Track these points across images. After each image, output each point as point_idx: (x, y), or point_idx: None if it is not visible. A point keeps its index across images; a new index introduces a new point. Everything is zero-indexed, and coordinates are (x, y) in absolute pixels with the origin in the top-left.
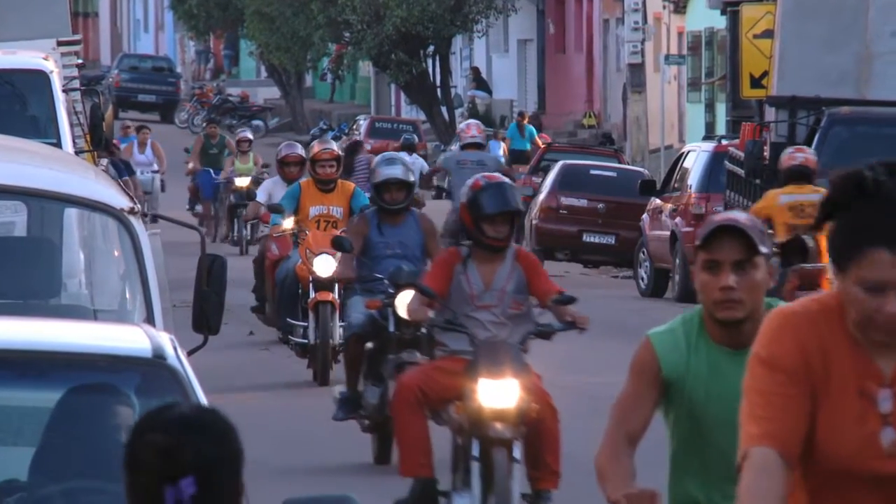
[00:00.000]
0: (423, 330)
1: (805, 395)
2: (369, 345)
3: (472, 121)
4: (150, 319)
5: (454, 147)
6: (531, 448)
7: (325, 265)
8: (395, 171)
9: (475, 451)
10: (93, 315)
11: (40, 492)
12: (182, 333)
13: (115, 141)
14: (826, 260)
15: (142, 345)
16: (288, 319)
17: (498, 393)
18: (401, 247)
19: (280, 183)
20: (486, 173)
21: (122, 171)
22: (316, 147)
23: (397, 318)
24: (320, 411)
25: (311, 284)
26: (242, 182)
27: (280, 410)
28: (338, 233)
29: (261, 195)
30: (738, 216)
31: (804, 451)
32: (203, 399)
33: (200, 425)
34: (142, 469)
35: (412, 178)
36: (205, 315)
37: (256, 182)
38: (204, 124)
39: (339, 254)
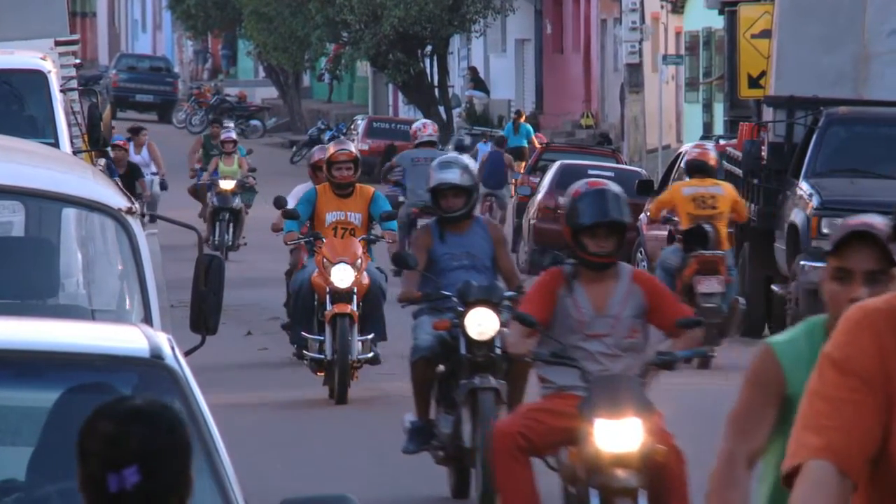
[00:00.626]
0: (498, 351)
1: (880, 405)
2: (440, 368)
3: (426, 120)
4: (147, 319)
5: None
6: (656, 497)
7: (342, 275)
8: (451, 176)
9: (594, 503)
10: (90, 315)
11: (38, 492)
12: (180, 333)
13: (121, 142)
14: (726, 247)
15: (139, 345)
16: (303, 333)
17: (618, 435)
18: (468, 257)
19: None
20: (591, 179)
21: (114, 171)
22: (331, 148)
23: (468, 339)
24: (320, 410)
25: (327, 296)
26: (227, 185)
27: (278, 409)
28: (356, 241)
29: (292, 202)
30: (875, 221)
31: (873, 464)
32: (201, 399)
33: (148, 416)
34: (89, 456)
35: (471, 182)
36: (203, 315)
37: (242, 186)
38: (204, 124)
39: (357, 262)
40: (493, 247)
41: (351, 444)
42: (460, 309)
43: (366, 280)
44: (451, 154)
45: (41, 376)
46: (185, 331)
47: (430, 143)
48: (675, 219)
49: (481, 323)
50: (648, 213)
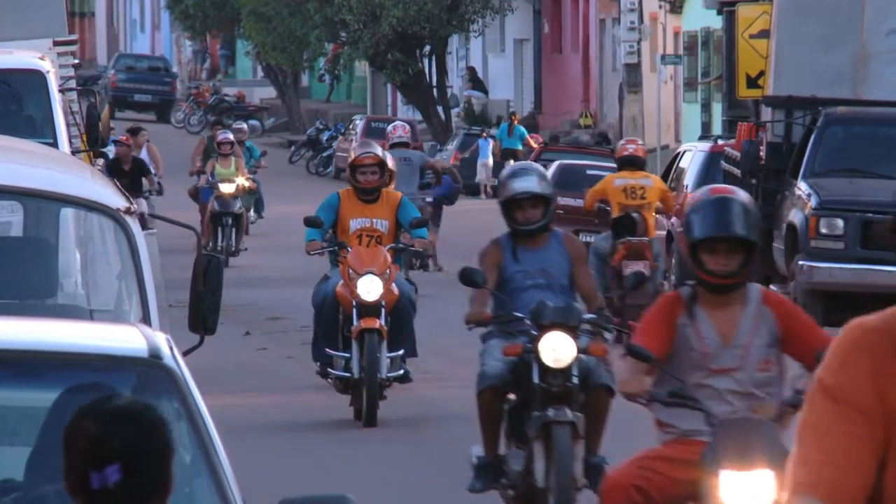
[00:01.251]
0: (575, 380)
1: (876, 437)
2: (511, 398)
3: (398, 122)
4: (146, 319)
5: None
6: None
7: (370, 287)
8: (528, 184)
9: None
10: (89, 315)
11: (36, 491)
12: (178, 333)
13: (124, 137)
14: (652, 234)
15: (138, 345)
16: (327, 350)
17: (747, 489)
18: (543, 275)
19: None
20: (716, 185)
21: (114, 168)
22: (355, 151)
23: (542, 367)
24: (320, 410)
25: (354, 309)
26: (227, 189)
27: (276, 409)
28: (384, 249)
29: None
30: None
31: (867, 501)
32: (199, 399)
33: (131, 417)
34: (73, 453)
35: (550, 190)
36: (201, 315)
37: (243, 189)
38: (203, 124)
39: (385, 273)
40: (570, 263)
41: (350, 442)
42: (534, 332)
43: (395, 292)
44: (524, 162)
45: (40, 376)
46: (183, 331)
47: (403, 144)
48: (608, 208)
49: (557, 348)
50: (585, 201)
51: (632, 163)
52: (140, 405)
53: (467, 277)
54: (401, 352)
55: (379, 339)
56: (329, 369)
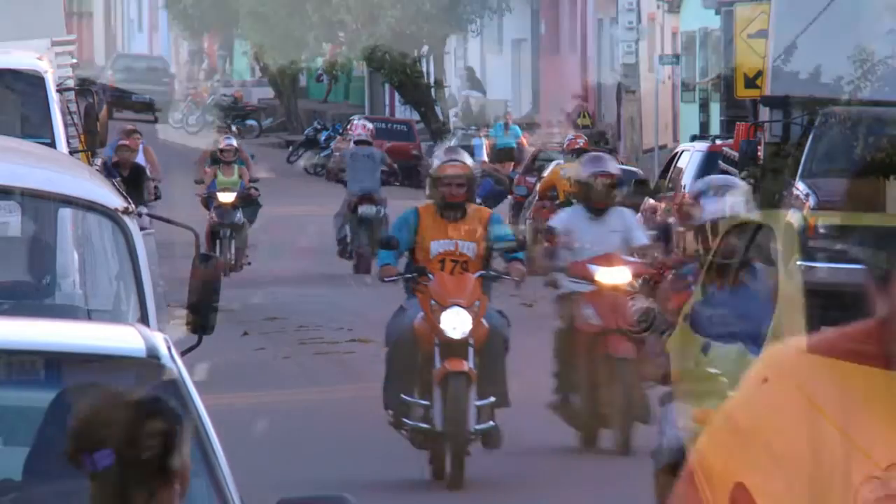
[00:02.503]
0: None
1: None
2: None
3: (360, 121)
4: (144, 319)
5: (351, 144)
6: None
7: (456, 322)
8: (722, 207)
9: None
10: (87, 315)
11: (34, 492)
12: (176, 333)
13: (127, 142)
14: None
15: (136, 345)
16: (402, 396)
17: None
18: (740, 322)
19: (582, 214)
20: None
21: (112, 172)
22: (439, 158)
23: None
24: (318, 409)
25: (436, 348)
26: (226, 198)
27: (273, 408)
28: (472, 277)
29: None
30: None
31: None
32: (197, 399)
33: (128, 404)
34: (70, 438)
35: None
36: (199, 315)
37: (244, 198)
38: (201, 125)
39: (474, 305)
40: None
41: (349, 442)
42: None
43: (485, 327)
44: (722, 176)
45: (37, 376)
46: (181, 331)
47: (365, 142)
48: (555, 194)
49: None
50: (538, 190)
51: (580, 155)
52: (143, 394)
53: (645, 318)
54: (491, 399)
55: (466, 383)
56: (404, 419)
